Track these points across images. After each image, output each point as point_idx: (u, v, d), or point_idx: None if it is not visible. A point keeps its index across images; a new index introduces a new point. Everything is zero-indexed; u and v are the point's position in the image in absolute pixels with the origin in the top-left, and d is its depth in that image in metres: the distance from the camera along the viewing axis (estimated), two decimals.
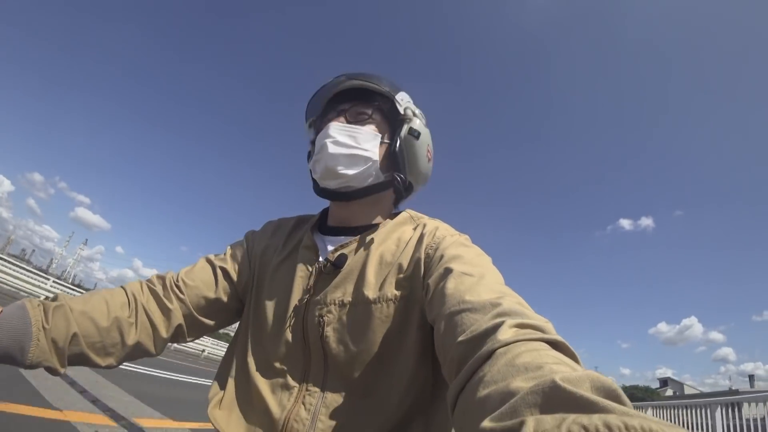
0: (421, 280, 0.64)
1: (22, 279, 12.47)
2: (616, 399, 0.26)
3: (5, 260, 12.73)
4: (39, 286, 13.04)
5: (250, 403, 0.68)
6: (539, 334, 0.38)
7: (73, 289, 15.57)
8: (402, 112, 0.76)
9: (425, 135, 0.78)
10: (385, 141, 0.76)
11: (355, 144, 0.72)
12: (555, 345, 0.38)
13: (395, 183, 0.76)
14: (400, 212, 0.81)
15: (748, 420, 5.91)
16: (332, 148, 0.72)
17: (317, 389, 0.64)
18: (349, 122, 0.75)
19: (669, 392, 42.93)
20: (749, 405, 6.21)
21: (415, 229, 0.75)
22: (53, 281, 14.19)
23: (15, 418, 2.77)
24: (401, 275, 0.66)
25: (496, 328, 0.40)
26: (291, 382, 0.66)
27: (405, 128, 0.76)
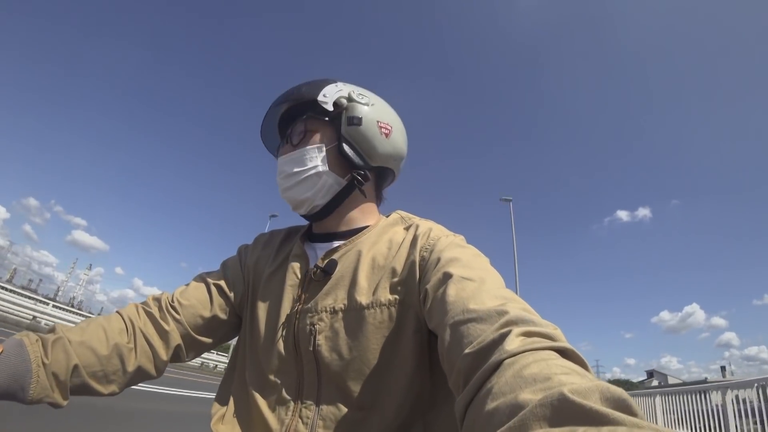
0: (417, 284, 0.61)
1: (55, 316, 12.48)
2: (627, 410, 0.25)
3: (38, 299, 12.76)
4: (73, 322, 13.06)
5: (250, 419, 0.66)
6: (547, 343, 0.37)
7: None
8: (331, 107, 0.71)
9: (369, 113, 0.72)
10: (332, 145, 0.72)
11: (301, 168, 0.71)
12: (563, 353, 0.36)
13: (354, 181, 0.72)
14: (389, 214, 0.78)
15: (717, 405, 6.38)
16: (283, 183, 0.72)
17: (312, 401, 0.62)
18: (294, 147, 0.73)
19: (654, 383, 43.29)
20: (715, 392, 6.65)
21: (407, 230, 0.71)
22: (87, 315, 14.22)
23: None
24: (395, 279, 0.63)
25: (503, 337, 0.38)
26: (287, 395, 0.64)
27: (344, 120, 0.71)
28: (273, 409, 0.64)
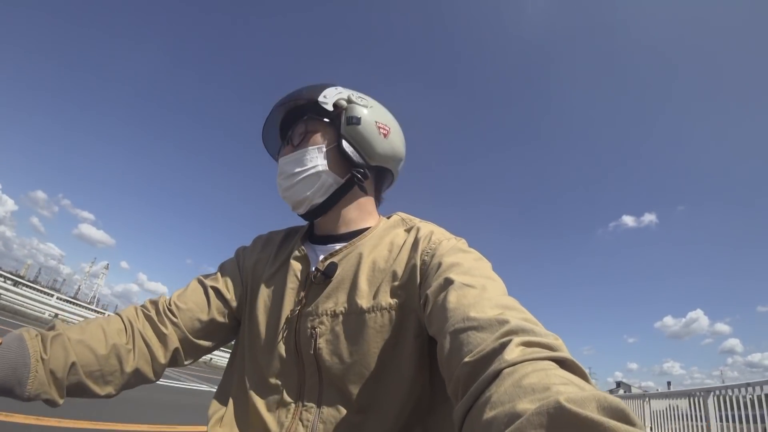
0: (418, 289, 0.57)
1: (82, 316, 12.34)
2: (624, 419, 0.23)
3: (78, 304, 12.71)
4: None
5: (248, 421, 0.61)
6: (547, 353, 0.34)
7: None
8: (331, 108, 0.68)
9: (368, 114, 0.69)
10: (332, 145, 0.68)
11: (301, 168, 0.67)
12: (563, 363, 0.33)
13: (354, 179, 0.68)
14: (390, 216, 0.73)
15: (654, 411, 6.96)
16: (284, 184, 0.69)
17: (313, 404, 0.58)
18: (295, 147, 0.70)
19: (621, 392, 43.31)
20: (656, 400, 7.11)
21: (407, 232, 0.66)
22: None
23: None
24: (396, 283, 0.59)
25: (503, 347, 0.35)
26: (287, 397, 0.60)
27: (343, 120, 0.68)
28: (272, 411, 0.60)
